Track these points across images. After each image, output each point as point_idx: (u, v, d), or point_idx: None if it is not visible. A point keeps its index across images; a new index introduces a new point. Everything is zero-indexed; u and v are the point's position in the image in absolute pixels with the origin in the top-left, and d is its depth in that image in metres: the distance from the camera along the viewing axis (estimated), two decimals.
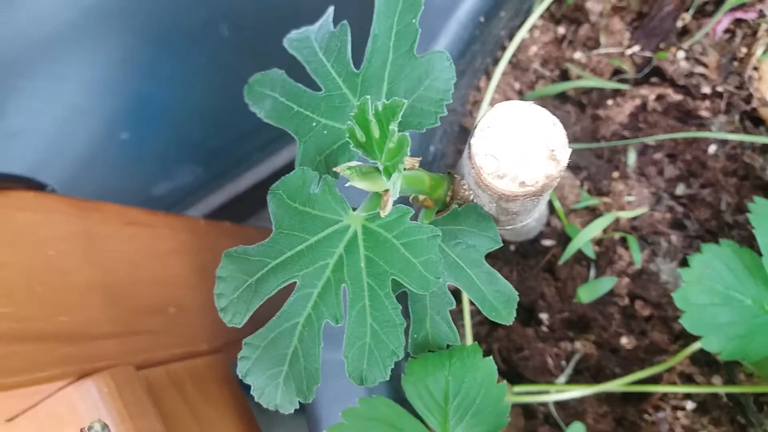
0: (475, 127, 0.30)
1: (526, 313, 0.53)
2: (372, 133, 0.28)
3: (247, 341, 0.31)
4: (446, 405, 0.34)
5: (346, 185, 0.30)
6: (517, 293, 0.33)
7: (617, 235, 0.49)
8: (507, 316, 0.33)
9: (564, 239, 0.51)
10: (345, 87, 0.34)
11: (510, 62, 0.54)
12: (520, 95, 0.54)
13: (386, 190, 0.30)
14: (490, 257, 0.53)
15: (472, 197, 0.33)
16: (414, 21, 0.34)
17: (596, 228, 0.46)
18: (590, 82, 0.51)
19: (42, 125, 0.75)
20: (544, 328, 0.52)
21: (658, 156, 0.50)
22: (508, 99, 0.53)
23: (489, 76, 0.54)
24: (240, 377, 0.32)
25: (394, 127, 0.27)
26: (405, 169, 0.33)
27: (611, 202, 0.50)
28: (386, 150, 0.28)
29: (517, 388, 0.50)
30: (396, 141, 0.27)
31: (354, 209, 0.31)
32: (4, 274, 0.38)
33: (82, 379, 0.42)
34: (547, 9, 0.53)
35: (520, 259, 0.53)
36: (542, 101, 0.54)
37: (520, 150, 0.30)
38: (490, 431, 0.35)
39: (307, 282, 0.31)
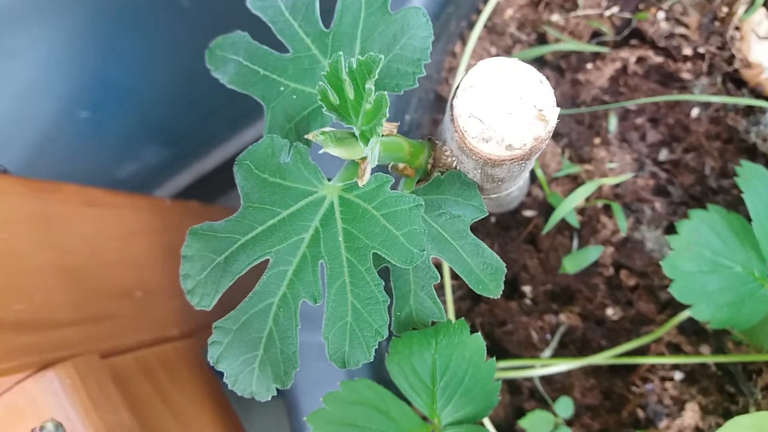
0: (457, 86, 0.28)
1: (509, 287, 0.51)
2: (346, 94, 0.26)
3: (218, 325, 0.29)
4: (433, 385, 0.33)
5: (320, 152, 0.27)
6: (505, 265, 0.32)
7: (600, 203, 0.48)
8: (495, 289, 0.32)
9: (546, 209, 0.49)
10: (314, 47, 0.32)
11: (485, 26, 0.52)
12: None
13: (364, 158, 0.28)
14: (471, 229, 0.51)
15: (455, 164, 0.31)
16: None
17: (579, 196, 0.44)
18: (569, 45, 0.49)
19: None
20: (528, 301, 0.50)
21: (639, 121, 0.49)
22: None
23: (464, 41, 0.52)
24: (211, 364, 0.29)
25: (370, 86, 0.25)
26: (383, 135, 0.31)
27: (593, 170, 0.48)
28: (363, 112, 0.26)
29: (502, 363, 0.49)
30: (373, 101, 0.25)
31: (329, 179, 0.29)
32: None
33: (42, 370, 0.39)
34: None
35: (501, 230, 0.51)
36: None
37: (506, 110, 0.28)
38: (479, 411, 0.33)
39: (280, 259, 0.28)
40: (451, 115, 0.28)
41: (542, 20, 0.51)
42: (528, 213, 0.50)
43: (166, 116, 0.88)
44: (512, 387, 0.51)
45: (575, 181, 0.49)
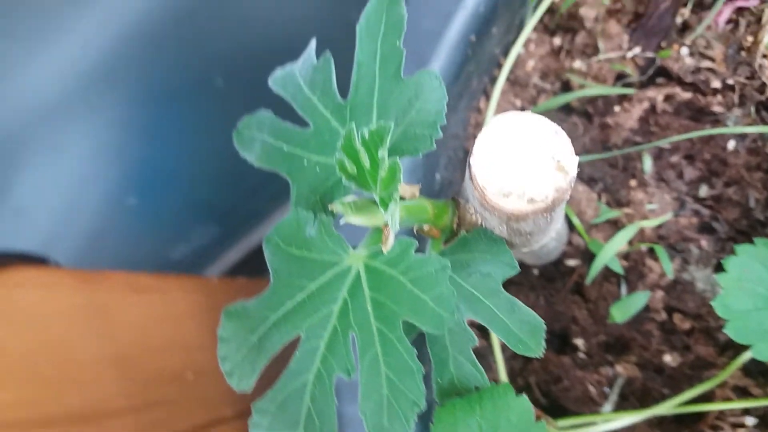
0: (474, 145, 0.28)
1: (560, 341, 0.50)
2: (362, 162, 0.26)
3: (257, 406, 0.29)
4: None
5: (342, 223, 0.28)
6: (543, 321, 0.31)
7: (644, 247, 0.46)
8: (536, 348, 0.31)
9: (588, 257, 0.48)
10: (333, 120, 0.33)
11: (508, 79, 0.52)
12: (523, 111, 0.52)
13: (386, 224, 0.28)
14: (513, 284, 0.50)
15: (480, 221, 0.31)
16: (398, 43, 0.32)
17: (620, 241, 0.43)
18: (594, 90, 0.48)
19: (48, 198, 0.75)
20: (581, 355, 0.48)
21: (675, 159, 0.48)
22: None
23: (488, 96, 0.52)
24: None
25: (383, 153, 0.25)
26: (404, 198, 0.31)
27: (633, 213, 0.47)
28: (379, 179, 0.26)
29: (562, 422, 0.47)
30: (387, 168, 0.25)
31: (355, 248, 0.29)
32: (3, 359, 0.36)
33: None
34: (540, 21, 0.52)
35: (546, 283, 0.50)
36: (546, 115, 0.51)
37: (524, 164, 0.28)
38: None
39: (312, 334, 0.28)
40: (470, 173, 0.28)
41: (564, 68, 0.51)
42: (571, 262, 0.49)
43: (211, 196, 0.91)
44: None
45: (615, 226, 0.48)
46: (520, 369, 0.50)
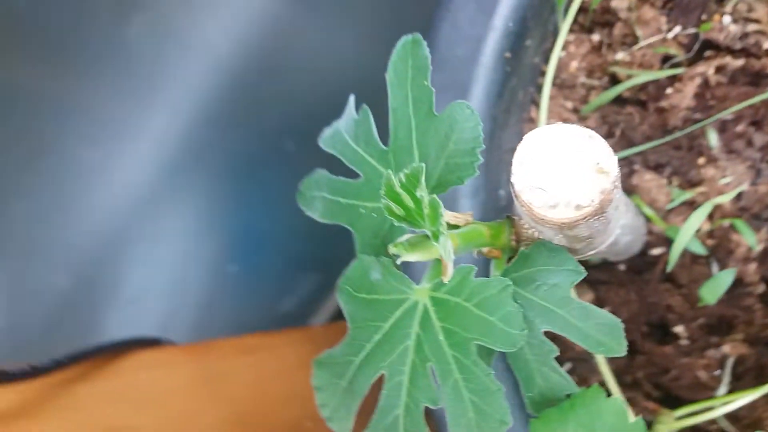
0: (512, 164, 0.29)
1: (660, 331, 0.49)
2: (406, 204, 0.28)
3: None
4: None
5: (399, 262, 0.29)
6: (620, 320, 0.31)
7: (726, 222, 0.45)
8: (618, 347, 0.31)
9: (671, 243, 0.47)
10: (380, 166, 0.35)
11: (555, 84, 0.52)
12: (576, 113, 0.52)
13: (441, 255, 0.29)
14: (602, 283, 0.50)
15: (536, 234, 0.32)
16: (426, 83, 0.34)
17: (695, 222, 0.42)
18: (642, 77, 0.48)
19: (156, 283, 0.81)
20: (684, 342, 0.47)
21: (740, 128, 0.46)
22: (565, 120, 0.52)
23: (538, 105, 0.52)
24: None
25: (421, 193, 0.27)
26: (459, 226, 0.33)
27: (707, 190, 0.46)
28: (426, 217, 0.28)
29: (679, 412, 0.46)
30: (428, 206, 0.27)
31: (419, 283, 0.31)
32: None
33: None
34: (575, 21, 0.52)
35: (634, 276, 0.49)
36: (601, 111, 0.51)
37: (564, 173, 0.28)
38: None
39: (394, 370, 0.30)
40: (514, 192, 0.29)
41: (608, 62, 0.51)
42: (655, 251, 0.48)
43: (309, 247, 0.95)
44: None
45: (692, 207, 0.46)
46: (626, 366, 0.50)
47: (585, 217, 0.28)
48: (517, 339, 0.28)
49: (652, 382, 0.49)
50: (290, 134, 0.82)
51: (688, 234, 0.42)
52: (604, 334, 0.31)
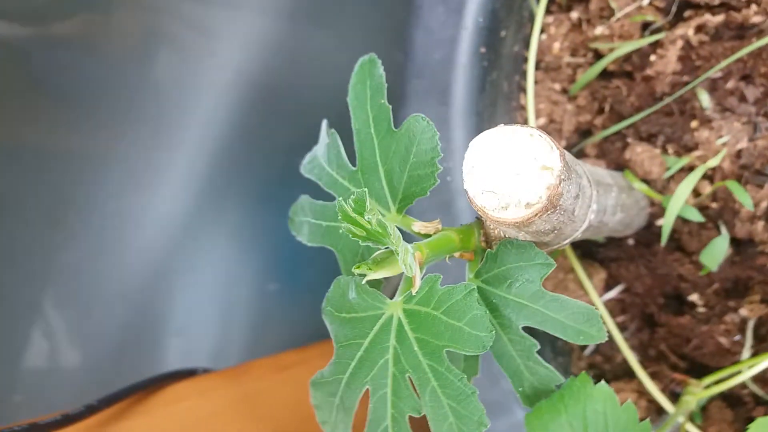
0: (462, 173, 0.30)
1: (675, 302, 0.48)
2: (364, 225, 0.29)
3: None
4: None
5: (364, 282, 0.30)
6: (595, 308, 0.31)
7: (727, 184, 0.44)
8: (597, 334, 0.31)
9: None
10: (351, 187, 0.36)
11: (540, 68, 0.52)
12: (565, 93, 0.52)
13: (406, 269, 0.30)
14: (612, 260, 0.50)
15: (502, 234, 0.32)
16: (383, 101, 0.35)
17: (684, 190, 0.41)
18: (623, 48, 0.47)
19: (205, 311, 0.84)
20: (701, 309, 0.46)
21: (731, 84, 0.45)
22: (554, 102, 0.51)
23: (525, 92, 0.52)
24: None
25: (369, 217, 0.28)
26: (430, 235, 0.34)
27: (704, 153, 0.45)
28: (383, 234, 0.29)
29: (706, 381, 0.45)
30: (377, 227, 0.28)
31: (392, 298, 0.32)
32: None
33: None
34: (552, 2, 0.52)
35: (643, 249, 0.49)
36: (589, 89, 0.51)
37: (511, 174, 0.29)
38: None
39: (377, 384, 0.31)
40: (468, 197, 0.30)
41: (590, 38, 0.50)
42: (660, 222, 0.47)
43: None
44: (731, 400, 0.46)
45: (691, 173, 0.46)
46: (649, 340, 0.49)
47: (536, 214, 0.29)
48: (486, 341, 0.28)
49: (677, 353, 0.48)
50: (307, 150, 0.84)
51: (678, 202, 0.41)
52: (581, 323, 0.31)
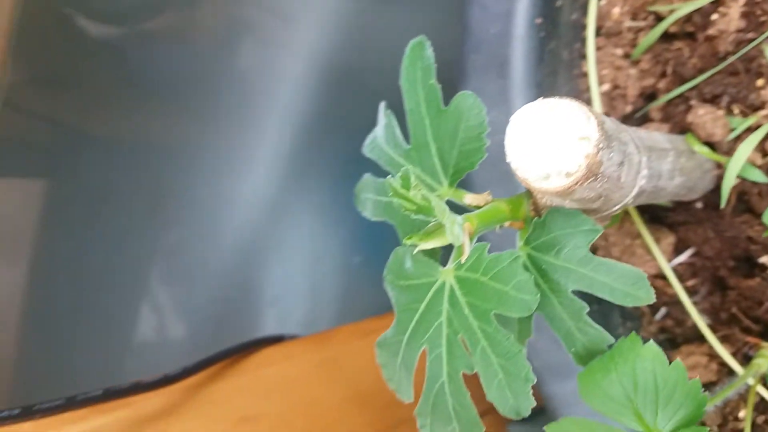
0: (505, 146, 0.32)
1: (746, 264, 0.48)
2: (412, 200, 0.32)
3: (417, 411, 0.35)
4: (632, 404, 0.33)
5: (415, 251, 0.33)
6: (642, 271, 0.32)
7: None
8: (645, 295, 0.32)
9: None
10: (407, 164, 0.38)
11: (601, 34, 0.52)
12: (628, 58, 0.51)
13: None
14: (681, 225, 0.50)
15: (549, 203, 0.34)
16: (432, 82, 0.37)
17: (745, 150, 0.41)
18: (684, 8, 0.47)
19: (295, 284, 0.90)
20: None
21: None
22: (617, 68, 0.51)
23: (587, 59, 0.52)
24: None
25: (414, 193, 0.30)
26: (480, 206, 0.36)
27: None
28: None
29: None
30: (423, 201, 0.30)
31: (444, 266, 0.34)
32: (262, 426, 0.47)
33: None
34: None
35: (711, 213, 0.48)
36: (652, 52, 0.50)
37: (551, 146, 0.30)
38: (691, 414, 0.33)
39: (433, 344, 0.34)
40: (512, 169, 0.32)
41: (649, 0, 0.50)
42: None
43: None
44: None
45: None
46: (720, 304, 0.49)
47: (577, 182, 0.30)
48: (531, 304, 0.30)
49: (750, 316, 0.48)
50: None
51: (738, 163, 0.41)
52: (628, 285, 0.32)
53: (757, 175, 0.42)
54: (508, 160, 0.32)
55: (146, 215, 0.82)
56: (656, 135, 0.41)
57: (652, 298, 0.32)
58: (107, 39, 0.83)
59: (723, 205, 0.43)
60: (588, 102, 0.53)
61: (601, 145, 0.30)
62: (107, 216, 0.79)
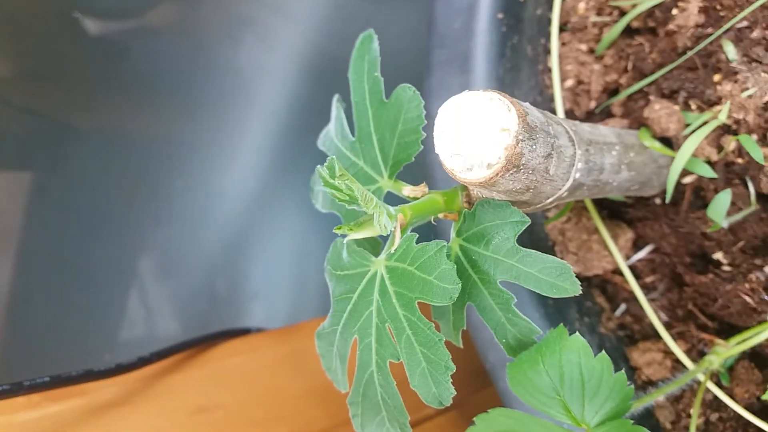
0: (434, 138, 0.32)
1: (701, 260, 0.47)
2: (344, 190, 0.32)
3: (349, 400, 0.36)
4: (560, 395, 0.33)
5: (346, 240, 0.33)
6: (567, 263, 0.32)
7: (739, 138, 0.43)
8: (572, 287, 0.32)
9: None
10: (352, 156, 0.39)
11: (567, 30, 0.52)
12: (592, 54, 0.51)
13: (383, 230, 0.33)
14: (639, 220, 0.50)
15: (481, 194, 0.34)
16: (376, 74, 0.37)
17: (692, 145, 0.40)
18: (645, 4, 0.47)
19: (279, 278, 0.90)
20: (726, 268, 0.46)
21: (757, 33, 0.43)
22: (582, 63, 0.51)
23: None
24: None
25: (338, 183, 0.30)
26: (417, 198, 0.36)
27: (729, 108, 0.43)
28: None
29: (734, 340, 0.45)
30: (348, 191, 0.31)
31: (377, 256, 0.34)
32: (218, 416, 0.48)
33: None
34: None
35: (669, 208, 0.48)
36: (615, 47, 0.50)
37: (473, 137, 0.31)
38: (618, 406, 0.33)
39: (363, 333, 0.34)
40: (440, 160, 0.32)
41: None
42: (686, 179, 0.47)
43: None
44: (761, 361, 0.46)
45: (720, 128, 0.44)
46: (677, 300, 0.49)
47: (497, 174, 0.30)
48: (452, 292, 0.31)
49: (706, 313, 0.47)
50: None
51: (684, 157, 0.40)
52: (554, 276, 0.32)
53: (705, 170, 0.42)
54: (437, 151, 0.32)
55: (130, 208, 0.83)
56: (602, 129, 0.40)
57: (577, 290, 0.32)
58: (101, 34, 0.84)
59: (668, 199, 0.43)
60: (551, 98, 0.53)
61: (521, 137, 0.30)
62: (92, 208, 0.80)
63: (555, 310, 0.48)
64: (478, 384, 0.57)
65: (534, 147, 0.31)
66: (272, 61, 0.91)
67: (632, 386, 0.33)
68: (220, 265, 0.89)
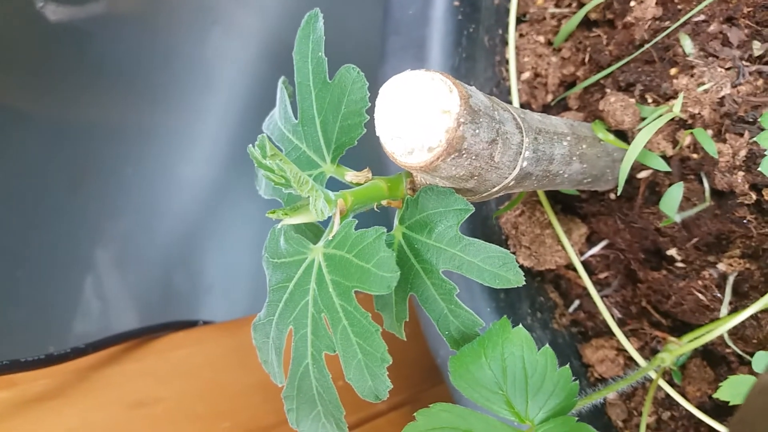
0: (375, 121, 0.30)
1: (654, 256, 0.47)
2: (276, 170, 0.30)
3: (284, 394, 0.34)
4: (502, 390, 0.32)
5: (278, 226, 0.32)
6: (510, 252, 0.31)
7: (694, 132, 0.42)
8: (514, 278, 0.31)
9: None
10: (294, 139, 0.37)
11: (525, 21, 0.51)
12: (550, 46, 0.50)
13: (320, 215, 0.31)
14: (594, 215, 0.49)
15: (425, 181, 0.33)
16: (320, 54, 0.36)
17: (643, 138, 0.40)
18: None
19: (236, 268, 0.88)
20: (679, 264, 0.45)
21: (713, 28, 0.43)
22: (539, 56, 0.50)
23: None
24: (294, 428, 0.34)
25: (270, 163, 0.29)
26: (360, 184, 0.34)
27: (684, 102, 0.43)
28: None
29: (687, 338, 0.44)
30: (280, 172, 0.29)
31: (315, 243, 0.33)
32: (157, 410, 0.46)
33: None
34: None
35: (624, 203, 0.47)
36: (573, 40, 0.49)
37: (415, 119, 0.29)
38: (563, 402, 0.32)
39: (298, 324, 0.32)
40: (381, 144, 0.30)
41: None
42: (642, 174, 0.46)
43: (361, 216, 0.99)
44: (712, 360, 0.45)
45: (672, 121, 0.44)
46: (631, 297, 0.48)
47: (439, 158, 0.29)
48: (390, 281, 0.29)
49: (659, 310, 0.47)
50: None
51: (636, 150, 0.40)
52: (497, 266, 0.31)
53: (659, 164, 0.41)
54: (377, 134, 0.31)
55: (79, 196, 0.80)
56: (554, 119, 0.39)
57: (521, 281, 0.31)
58: (62, 20, 0.81)
59: (619, 192, 0.42)
60: (508, 91, 0.52)
61: (462, 119, 0.28)
62: (37, 196, 0.78)
63: (507, 305, 0.47)
64: (435, 380, 0.56)
65: (477, 131, 0.30)
66: (233, 49, 0.89)
67: (577, 382, 0.32)
68: (176, 256, 0.87)
